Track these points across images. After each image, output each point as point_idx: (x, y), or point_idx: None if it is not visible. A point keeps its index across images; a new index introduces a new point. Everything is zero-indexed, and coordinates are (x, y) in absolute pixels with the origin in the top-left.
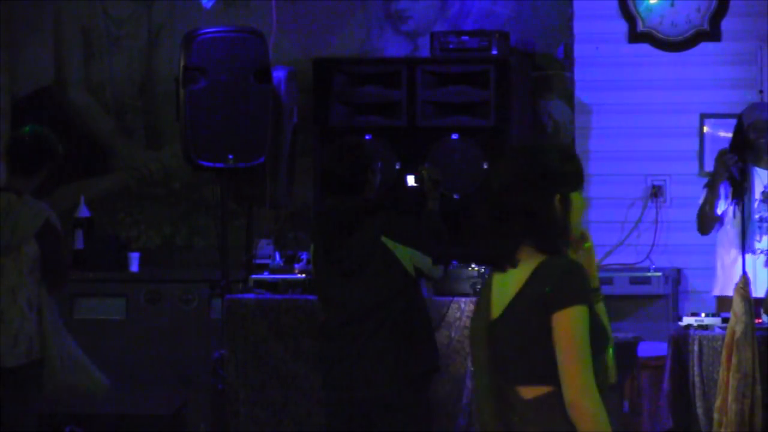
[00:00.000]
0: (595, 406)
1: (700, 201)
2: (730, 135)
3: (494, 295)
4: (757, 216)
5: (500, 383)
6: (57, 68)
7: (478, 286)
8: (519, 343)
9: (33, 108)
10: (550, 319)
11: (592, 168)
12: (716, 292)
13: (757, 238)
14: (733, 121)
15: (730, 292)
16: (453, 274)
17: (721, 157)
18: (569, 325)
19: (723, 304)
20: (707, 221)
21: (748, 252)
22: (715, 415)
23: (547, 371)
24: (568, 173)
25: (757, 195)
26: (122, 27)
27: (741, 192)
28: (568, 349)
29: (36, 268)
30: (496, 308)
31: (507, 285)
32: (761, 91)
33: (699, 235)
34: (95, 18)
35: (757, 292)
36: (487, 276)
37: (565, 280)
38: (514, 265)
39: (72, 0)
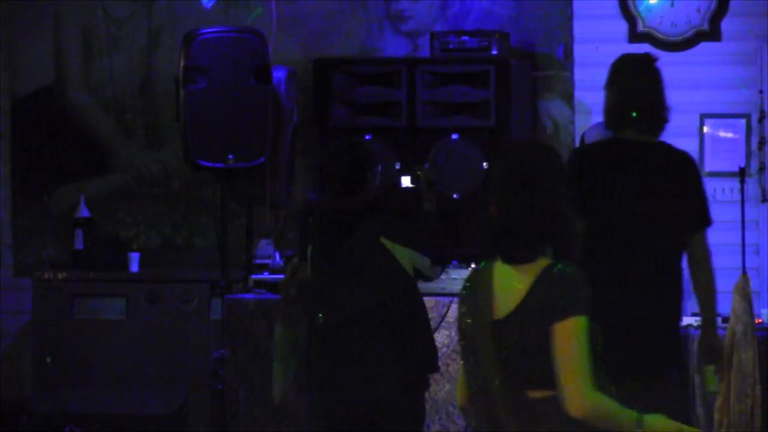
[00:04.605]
0: (596, 404)
1: None
2: (730, 135)
3: (497, 293)
4: None
5: (507, 384)
6: (57, 68)
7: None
8: (525, 349)
9: (33, 108)
10: (550, 328)
11: None
12: None
13: None
14: (733, 121)
15: None
16: (453, 274)
17: None
18: (567, 336)
19: None
20: None
21: None
22: (716, 415)
23: (552, 377)
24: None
25: None
26: (122, 27)
27: None
28: (566, 359)
29: None
30: (501, 309)
31: (512, 286)
32: (761, 91)
33: None
34: (95, 18)
35: None
36: (479, 271)
37: (567, 290)
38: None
39: (72, 0)
